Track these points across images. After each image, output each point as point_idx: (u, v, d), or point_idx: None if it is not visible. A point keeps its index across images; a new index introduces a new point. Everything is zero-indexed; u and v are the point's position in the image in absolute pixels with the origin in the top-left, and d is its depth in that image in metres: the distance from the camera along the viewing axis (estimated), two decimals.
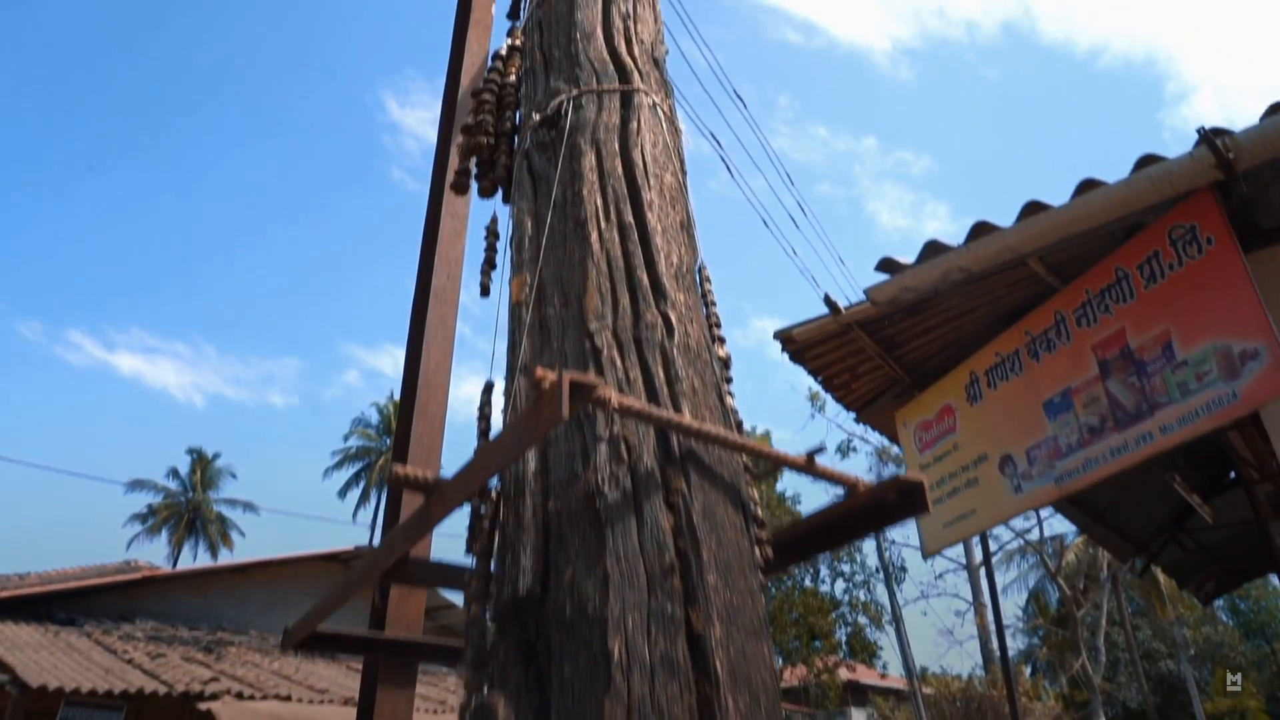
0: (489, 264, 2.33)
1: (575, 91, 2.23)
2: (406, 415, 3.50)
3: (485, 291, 2.25)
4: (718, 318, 1.98)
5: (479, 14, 4.71)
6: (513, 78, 2.53)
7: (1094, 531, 9.02)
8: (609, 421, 1.49)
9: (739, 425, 1.75)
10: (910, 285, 4.84)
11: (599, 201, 1.91)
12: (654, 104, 2.25)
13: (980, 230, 4.81)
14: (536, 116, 2.26)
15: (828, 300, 5.85)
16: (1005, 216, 4.60)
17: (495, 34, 4.77)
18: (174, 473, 43.46)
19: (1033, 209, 4.60)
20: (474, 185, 2.49)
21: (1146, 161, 4.21)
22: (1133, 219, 4.55)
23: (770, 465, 1.68)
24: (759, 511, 1.63)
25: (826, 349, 6.08)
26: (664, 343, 1.67)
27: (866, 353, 6.14)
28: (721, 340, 1.90)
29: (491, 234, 2.40)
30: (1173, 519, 8.95)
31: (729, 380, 1.83)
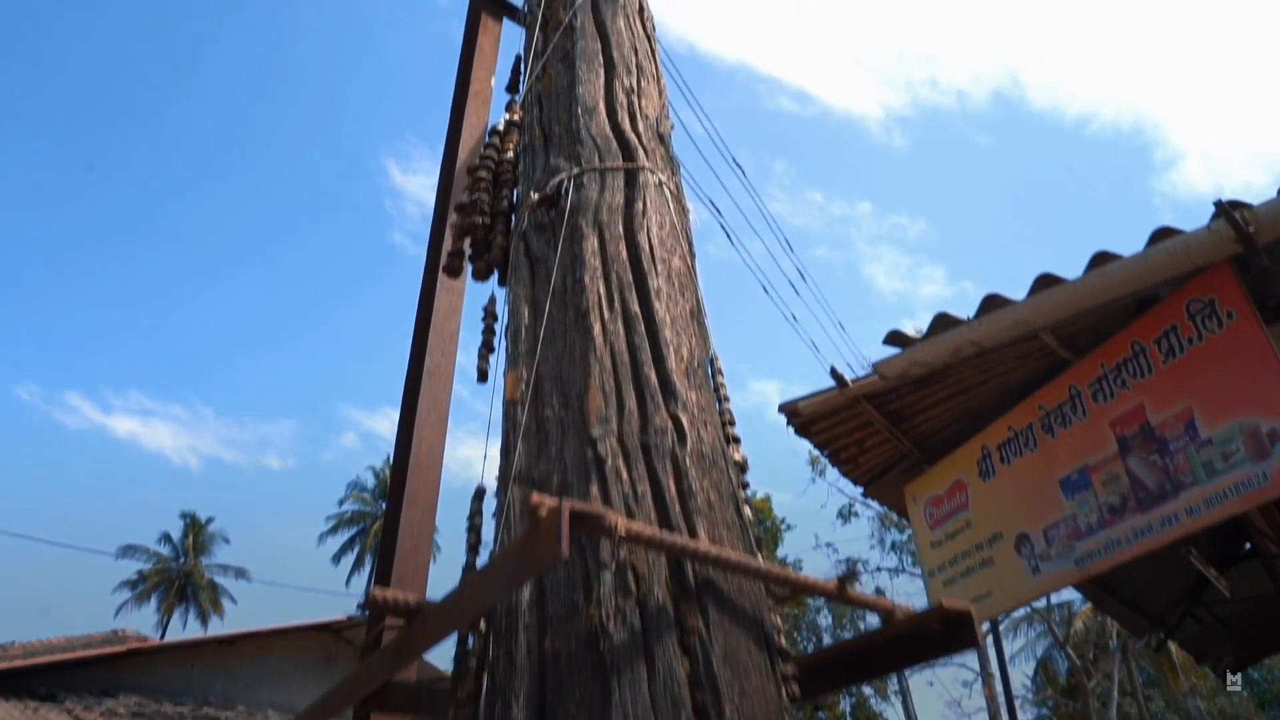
0: (486, 347, 2.17)
1: (576, 169, 2.10)
2: (395, 502, 3.31)
3: (483, 377, 2.09)
4: (731, 414, 1.81)
5: (477, 86, 4.65)
6: (510, 154, 2.41)
7: (1107, 606, 8.73)
8: (615, 546, 1.32)
9: (759, 540, 1.57)
10: (920, 360, 4.69)
11: (602, 289, 1.76)
12: (660, 182, 2.12)
13: (991, 304, 4.68)
14: (535, 196, 2.12)
15: (834, 373, 5.70)
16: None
17: (495, 108, 4.70)
18: (166, 538, 42.83)
19: (1045, 282, 4.48)
20: (468, 267, 2.34)
21: (1162, 234, 4.10)
22: (1147, 292, 4.43)
23: (796, 590, 1.49)
24: (783, 642, 1.44)
25: (833, 422, 5.90)
26: (675, 450, 1.50)
27: (874, 426, 5.96)
28: (737, 441, 1.73)
29: (489, 315, 2.25)
30: (1188, 592, 8.66)
31: (745, 486, 1.66)
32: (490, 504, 1.73)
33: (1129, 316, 4.82)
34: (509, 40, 5.46)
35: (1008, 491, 5.37)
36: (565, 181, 2.08)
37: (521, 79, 2.80)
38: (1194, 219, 3.92)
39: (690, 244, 2.09)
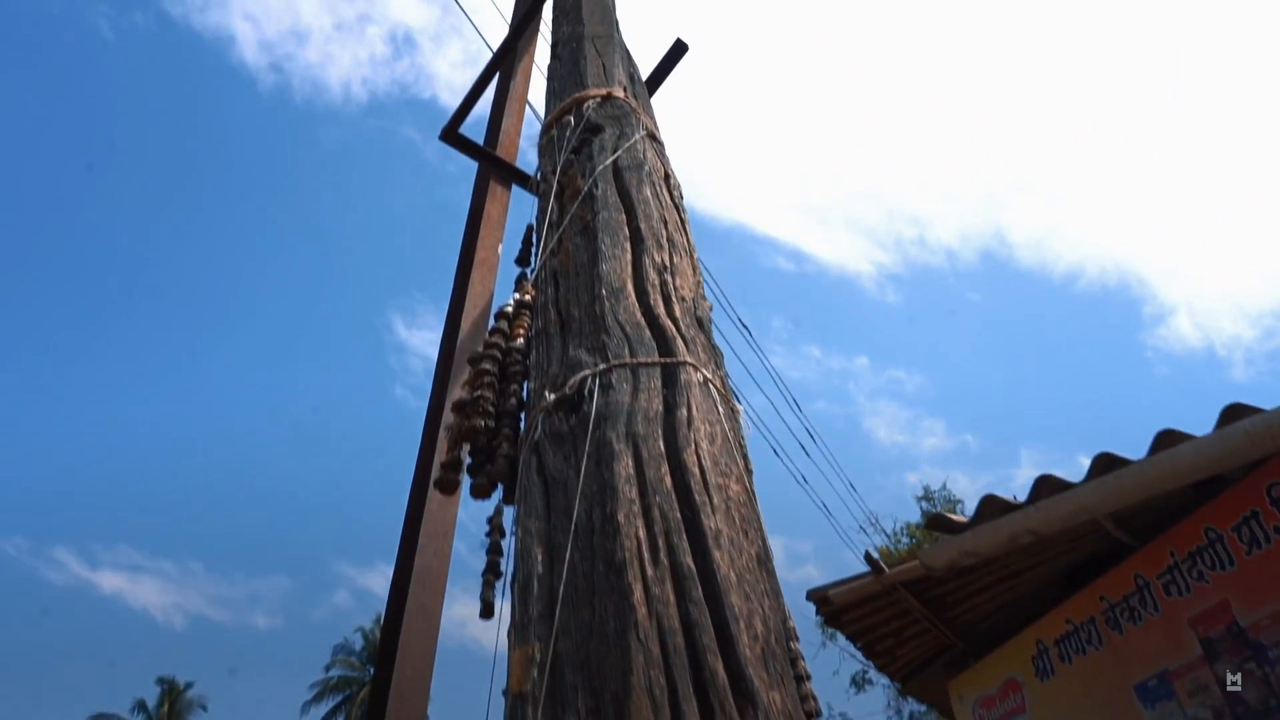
0: (491, 572, 1.72)
1: (602, 364, 1.71)
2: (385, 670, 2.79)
3: (488, 612, 1.63)
4: (816, 702, 1.34)
5: (484, 254, 4.39)
6: (520, 341, 2.03)
7: None
8: None
9: None
10: (971, 550, 4.20)
11: (642, 532, 1.33)
12: (704, 380, 1.73)
13: (1045, 485, 4.23)
14: (551, 396, 1.72)
15: (869, 558, 5.18)
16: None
17: (503, 278, 4.42)
18: (140, 706, 40.40)
19: (1105, 462, 4.05)
20: (466, 479, 1.92)
21: (1234, 412, 3.72)
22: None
23: None
24: None
25: (866, 611, 5.33)
26: None
27: (913, 615, 5.38)
28: None
29: (495, 529, 1.80)
30: None
31: None
32: None
33: (1191, 498, 4.37)
34: (519, 208, 5.28)
35: (1071, 695, 4.74)
36: (589, 380, 1.69)
37: (534, 252, 2.47)
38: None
39: (746, 458, 1.67)
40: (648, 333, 1.81)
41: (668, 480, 1.43)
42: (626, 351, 1.74)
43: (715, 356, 1.91)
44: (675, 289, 2.00)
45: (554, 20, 4.72)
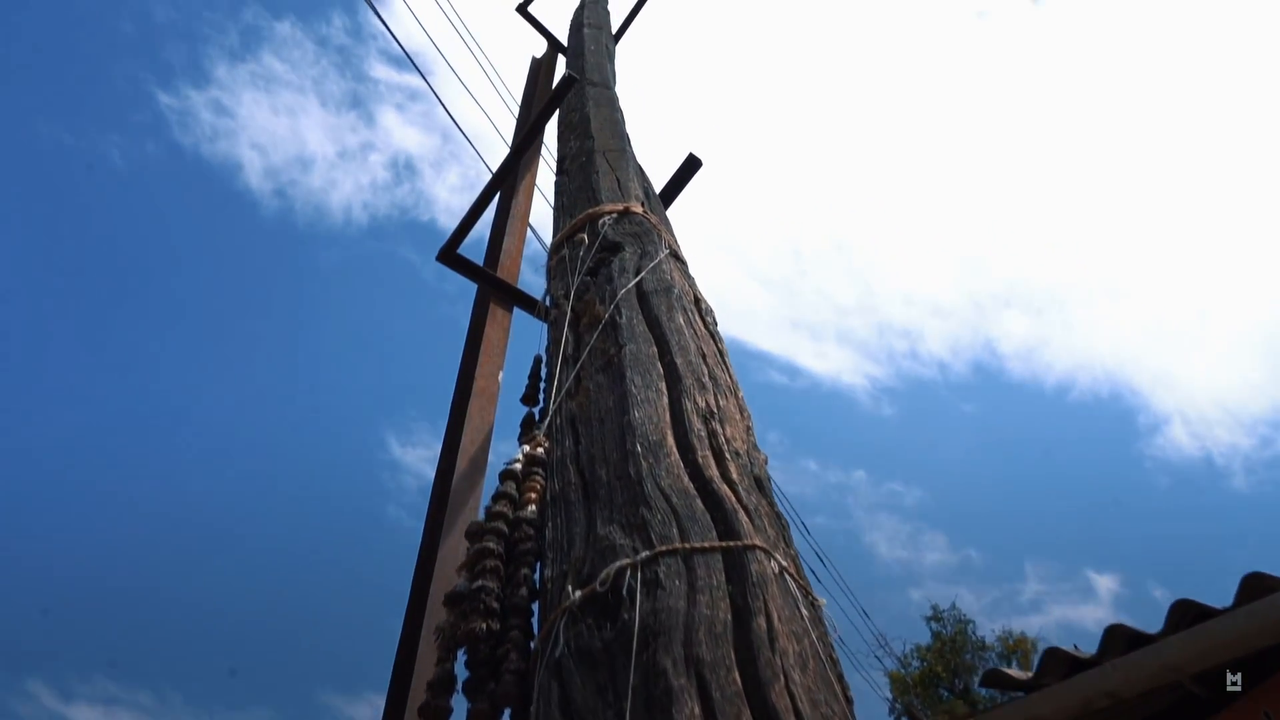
0: None
1: (644, 551, 1.29)
2: None
3: None
4: None
5: (483, 383, 4.01)
6: (531, 509, 1.62)
7: None
8: None
9: None
10: (1040, 715, 3.66)
11: None
12: (780, 570, 1.31)
13: (1117, 635, 3.74)
14: (576, 594, 1.30)
15: (909, 710, 4.59)
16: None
17: (503, 412, 4.03)
18: None
19: (1186, 610, 3.58)
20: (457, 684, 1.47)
21: (1254, 582, 3.31)
22: None
23: None
24: None
25: None
26: None
27: None
28: None
29: None
30: None
31: None
32: None
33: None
34: (521, 333, 4.94)
35: None
36: (628, 573, 1.26)
37: (544, 393, 2.08)
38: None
39: (843, 681, 1.23)
40: (699, 503, 1.40)
41: None
42: (675, 531, 1.33)
43: (783, 530, 1.49)
44: (727, 440, 1.61)
45: (560, 136, 4.50)
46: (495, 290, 4.70)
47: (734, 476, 1.49)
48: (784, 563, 1.32)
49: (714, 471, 1.48)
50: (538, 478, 1.67)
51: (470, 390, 4.02)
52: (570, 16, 7.98)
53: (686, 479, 1.46)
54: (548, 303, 2.58)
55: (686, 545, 1.29)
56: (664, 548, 1.29)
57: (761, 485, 1.56)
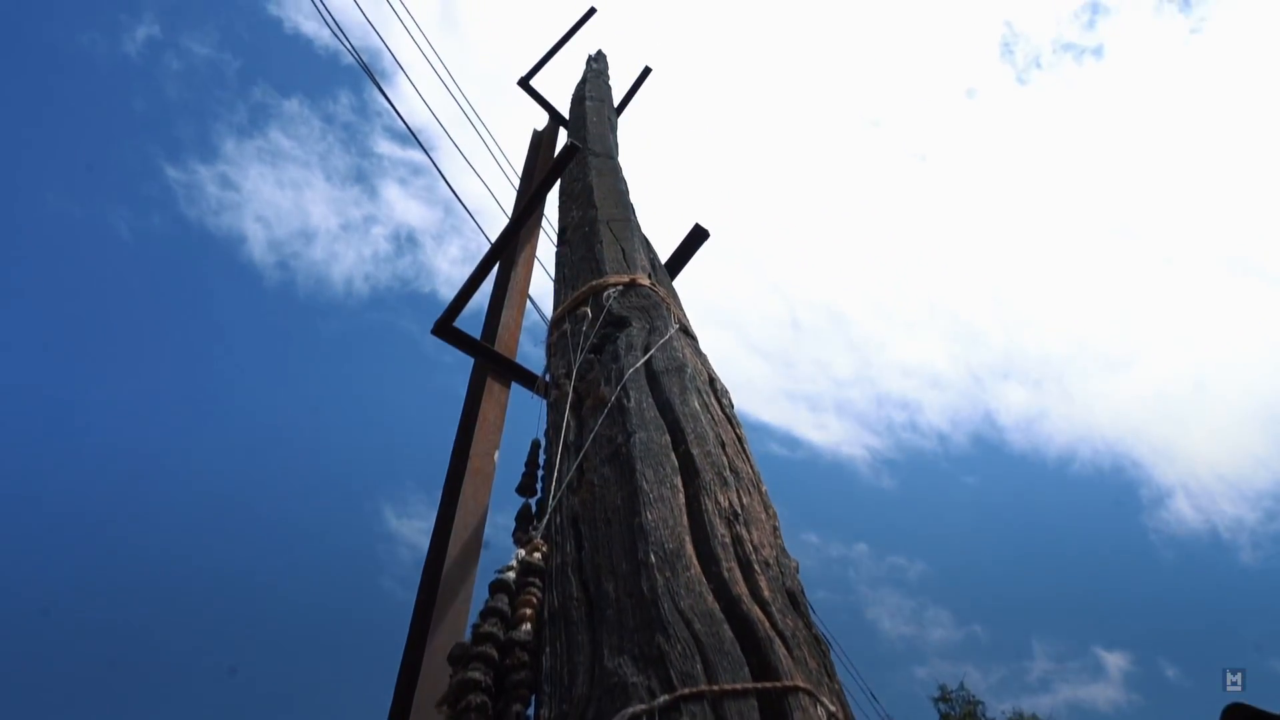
0: None
1: (662, 694, 1.06)
2: None
3: None
4: None
5: (478, 462, 3.78)
6: (526, 627, 1.38)
7: None
8: None
9: None
10: None
11: None
12: (830, 716, 1.07)
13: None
14: None
15: None
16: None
17: (498, 494, 3.80)
18: None
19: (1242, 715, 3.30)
20: None
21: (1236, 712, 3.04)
22: None
23: None
24: None
25: None
26: None
27: None
28: None
29: None
30: None
31: None
32: None
33: None
34: (519, 409, 4.73)
35: None
36: None
37: (543, 482, 1.86)
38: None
39: None
40: (727, 630, 1.17)
41: None
42: (699, 667, 1.10)
43: (824, 659, 1.25)
44: (754, 547, 1.38)
45: (561, 207, 4.36)
46: (492, 364, 4.50)
47: (765, 594, 1.26)
48: (832, 708, 1.09)
49: (742, 588, 1.26)
50: (534, 590, 1.43)
51: (464, 470, 3.79)
52: (571, 91, 7.99)
53: (710, 598, 1.23)
54: (548, 379, 2.37)
55: (715, 688, 1.05)
56: (687, 690, 1.05)
57: (796, 602, 1.33)
